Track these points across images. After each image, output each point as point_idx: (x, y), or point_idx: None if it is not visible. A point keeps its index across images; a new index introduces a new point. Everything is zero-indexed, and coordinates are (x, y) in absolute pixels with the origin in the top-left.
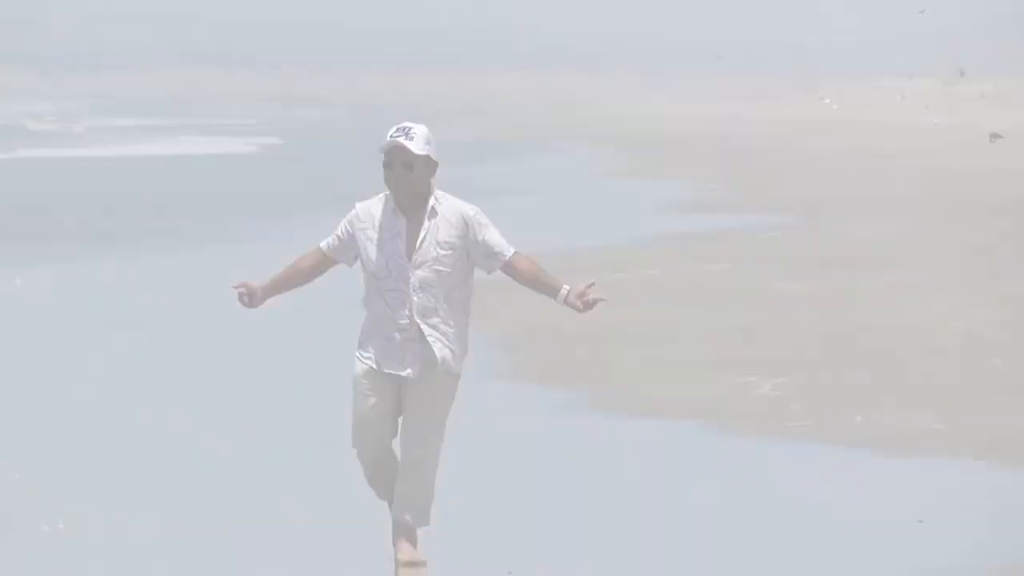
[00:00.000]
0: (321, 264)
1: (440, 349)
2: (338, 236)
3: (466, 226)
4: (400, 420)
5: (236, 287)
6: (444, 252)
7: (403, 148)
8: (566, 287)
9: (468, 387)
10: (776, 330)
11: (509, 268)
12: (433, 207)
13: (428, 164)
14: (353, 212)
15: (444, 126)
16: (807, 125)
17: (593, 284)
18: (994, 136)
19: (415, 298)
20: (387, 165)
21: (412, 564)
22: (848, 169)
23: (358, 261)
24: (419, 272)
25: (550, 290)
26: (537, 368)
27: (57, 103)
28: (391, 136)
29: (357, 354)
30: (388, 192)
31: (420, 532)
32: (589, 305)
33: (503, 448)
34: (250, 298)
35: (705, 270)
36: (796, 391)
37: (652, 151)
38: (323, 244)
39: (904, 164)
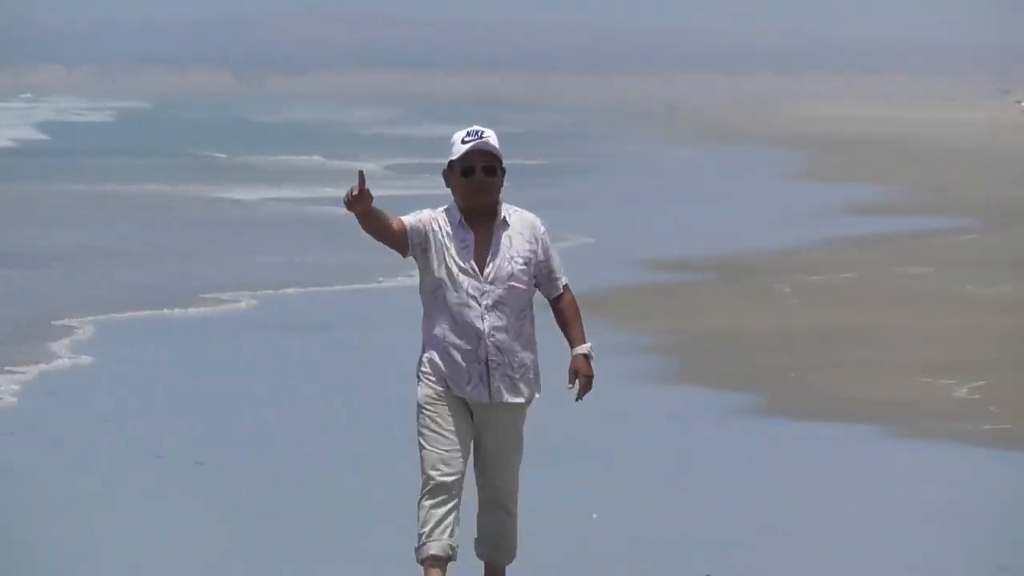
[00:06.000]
0: (398, 232)
1: (510, 378)
2: (419, 219)
3: (536, 240)
4: (473, 448)
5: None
6: (520, 267)
7: (486, 152)
8: (584, 347)
9: (647, 390)
10: (972, 333)
11: (560, 297)
12: (504, 218)
13: (503, 170)
14: (425, 212)
15: (635, 128)
16: (999, 127)
17: (576, 390)
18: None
19: (487, 317)
20: (467, 171)
21: None
22: None
23: (420, 259)
24: (494, 289)
25: (572, 339)
26: (721, 371)
27: (364, 109)
28: (465, 141)
29: (421, 375)
30: (449, 206)
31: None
32: (578, 384)
33: (685, 451)
34: (361, 195)
35: (901, 273)
36: (993, 394)
37: (842, 153)
38: (405, 218)
39: None
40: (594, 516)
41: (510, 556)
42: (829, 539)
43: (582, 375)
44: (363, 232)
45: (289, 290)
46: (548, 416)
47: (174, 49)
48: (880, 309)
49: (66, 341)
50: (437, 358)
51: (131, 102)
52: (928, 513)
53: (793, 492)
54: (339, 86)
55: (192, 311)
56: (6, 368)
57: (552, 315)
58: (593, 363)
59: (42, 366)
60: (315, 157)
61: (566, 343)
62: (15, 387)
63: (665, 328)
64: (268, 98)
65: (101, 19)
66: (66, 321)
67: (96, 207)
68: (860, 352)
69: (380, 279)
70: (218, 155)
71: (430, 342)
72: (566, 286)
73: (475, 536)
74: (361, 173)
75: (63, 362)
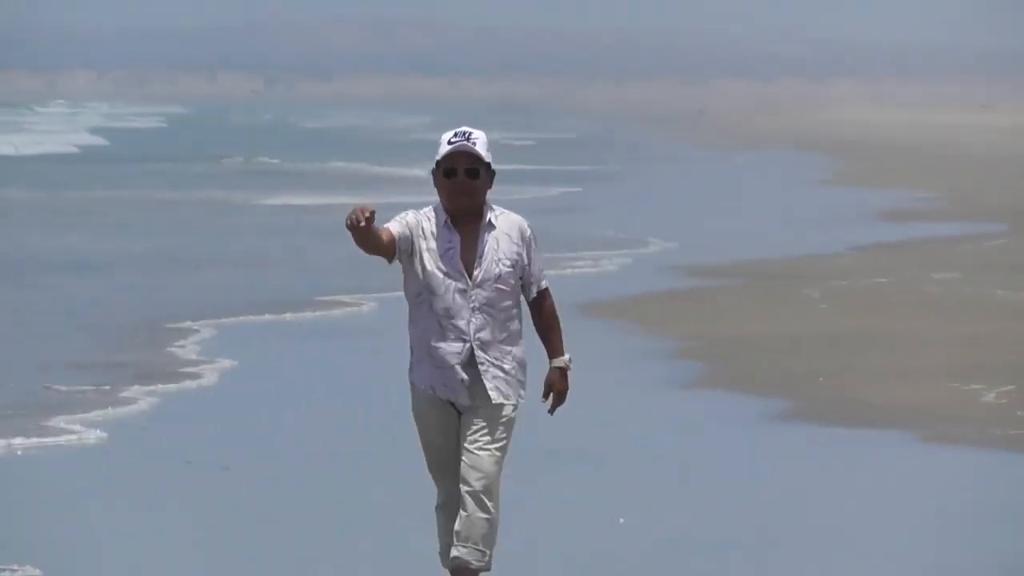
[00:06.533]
0: (388, 244)
1: (496, 379)
2: (405, 225)
3: (523, 242)
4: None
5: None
6: (507, 269)
7: (468, 153)
8: (563, 360)
9: (674, 395)
10: (1000, 338)
11: (540, 300)
12: (490, 220)
13: (489, 172)
14: (409, 214)
15: (667, 133)
16: None
17: (549, 408)
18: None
19: (474, 319)
20: (449, 172)
21: None
22: None
23: (405, 263)
24: (480, 291)
25: (551, 347)
26: (749, 376)
27: (401, 114)
28: (451, 141)
29: (412, 380)
30: (436, 204)
31: None
32: (553, 394)
33: (712, 456)
34: (367, 222)
35: (930, 279)
36: (1022, 398)
37: (873, 158)
38: (392, 227)
39: None
40: (621, 520)
41: (483, 560)
42: (859, 543)
43: (556, 390)
44: (354, 245)
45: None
46: (573, 419)
47: (201, 55)
48: (908, 314)
49: (188, 343)
50: (424, 362)
51: (169, 108)
52: (957, 517)
53: (822, 497)
54: (371, 92)
55: (309, 314)
56: (137, 373)
57: (531, 318)
58: (573, 374)
59: (169, 368)
60: (359, 164)
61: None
62: (145, 388)
63: (693, 334)
64: (301, 103)
65: (119, 26)
66: (187, 324)
67: (184, 212)
68: (888, 357)
69: None
70: (274, 161)
71: (417, 346)
72: (545, 290)
73: (441, 547)
74: (374, 211)
75: (190, 362)
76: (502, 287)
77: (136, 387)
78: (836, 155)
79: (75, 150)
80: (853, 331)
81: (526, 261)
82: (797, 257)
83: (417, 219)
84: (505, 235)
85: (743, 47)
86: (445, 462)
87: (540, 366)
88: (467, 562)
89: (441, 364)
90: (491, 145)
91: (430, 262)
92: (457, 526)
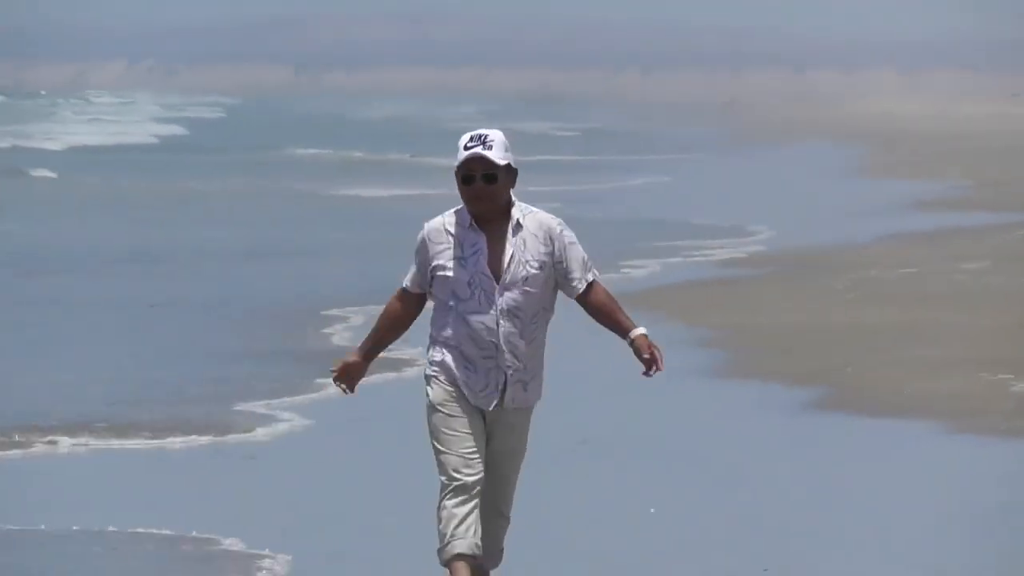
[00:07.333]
0: (416, 304)
1: (520, 383)
2: (417, 267)
3: (552, 241)
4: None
5: (334, 372)
6: (534, 271)
7: (483, 159)
8: (640, 329)
9: (703, 384)
10: None
11: (586, 295)
12: (518, 220)
13: (509, 173)
14: (422, 235)
15: (700, 123)
16: None
17: (647, 368)
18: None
19: (502, 323)
20: (467, 179)
21: None
22: None
23: (432, 285)
24: (508, 294)
25: (621, 328)
26: (777, 366)
27: (444, 106)
28: (466, 146)
29: (431, 376)
30: (461, 206)
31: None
32: (652, 361)
33: (741, 445)
34: (351, 376)
35: (961, 268)
36: None
37: (904, 150)
38: (407, 284)
39: None
40: (652, 510)
41: (497, 561)
42: (886, 533)
43: (650, 353)
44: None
45: None
46: (603, 409)
47: (231, 48)
48: (937, 304)
49: (339, 329)
50: (449, 361)
51: (218, 98)
52: (987, 507)
53: (851, 486)
54: (403, 83)
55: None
56: (307, 360)
57: (587, 315)
58: (606, 364)
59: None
60: (433, 158)
61: (611, 337)
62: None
63: (722, 324)
64: (338, 94)
65: (148, 18)
66: (334, 311)
67: (295, 202)
68: (917, 347)
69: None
70: (357, 153)
71: (441, 343)
72: (592, 283)
73: (443, 537)
74: (335, 375)
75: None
76: (530, 289)
77: (319, 378)
78: (865, 146)
79: (155, 140)
80: (882, 320)
81: (559, 259)
82: (827, 246)
83: (430, 233)
84: (533, 235)
85: (771, 39)
86: (468, 445)
87: (559, 367)
88: (490, 568)
89: (469, 367)
90: (509, 143)
91: (456, 269)
92: (481, 538)
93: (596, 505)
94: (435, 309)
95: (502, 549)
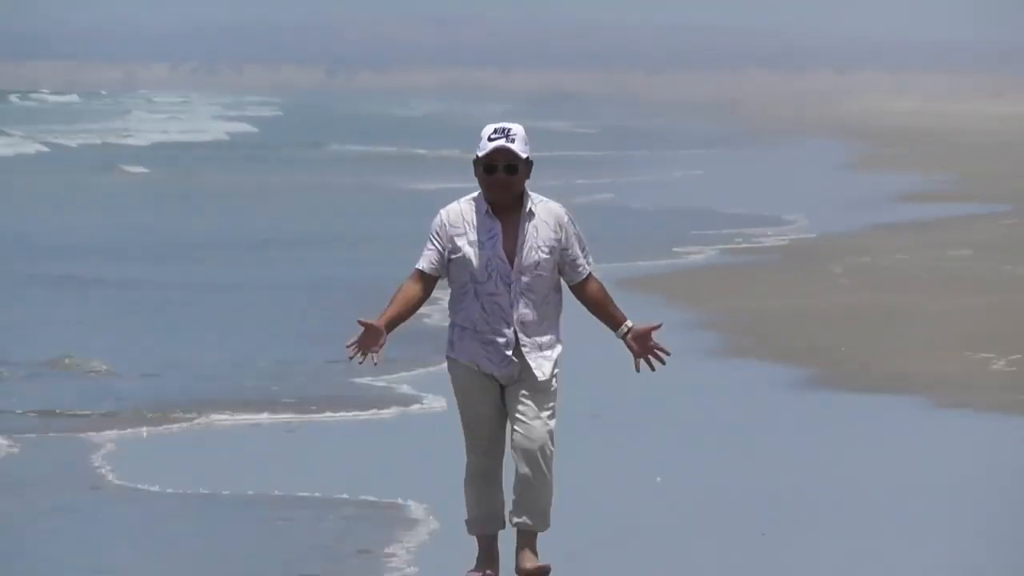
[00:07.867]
0: (430, 285)
1: (539, 358)
2: (435, 250)
3: (561, 228)
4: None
5: (351, 346)
6: (545, 256)
7: (508, 151)
8: (629, 323)
9: (703, 364)
10: (1009, 310)
11: (584, 285)
12: (531, 209)
13: (527, 165)
14: (439, 219)
15: (701, 121)
16: None
17: (659, 327)
18: None
19: (518, 303)
20: (489, 168)
21: (539, 573)
22: None
23: (449, 269)
24: (523, 278)
25: (612, 321)
26: (773, 347)
27: (474, 104)
28: (491, 138)
29: (451, 356)
30: (477, 194)
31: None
32: (647, 351)
33: (739, 421)
34: (372, 337)
35: (947, 255)
36: None
37: (894, 146)
38: (422, 266)
39: None
40: (658, 479)
41: (544, 521)
42: (877, 503)
43: (646, 342)
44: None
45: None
46: (612, 387)
47: (264, 50)
48: (925, 288)
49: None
50: (467, 340)
51: (267, 97)
52: (970, 478)
53: (842, 459)
54: (429, 82)
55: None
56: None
57: (582, 304)
58: (612, 344)
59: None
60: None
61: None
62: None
63: (722, 308)
64: (372, 93)
65: (189, 19)
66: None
67: (369, 196)
68: (905, 328)
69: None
70: (421, 151)
71: (459, 324)
72: (590, 274)
73: (470, 516)
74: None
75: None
76: (541, 273)
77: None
78: (859, 142)
79: (227, 137)
80: (873, 304)
81: (565, 246)
82: (822, 235)
83: (448, 217)
84: (544, 223)
85: (771, 41)
86: (486, 432)
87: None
88: (533, 526)
89: (486, 342)
90: (529, 137)
91: (473, 253)
92: (517, 494)
93: (606, 474)
94: (452, 292)
95: (548, 508)
